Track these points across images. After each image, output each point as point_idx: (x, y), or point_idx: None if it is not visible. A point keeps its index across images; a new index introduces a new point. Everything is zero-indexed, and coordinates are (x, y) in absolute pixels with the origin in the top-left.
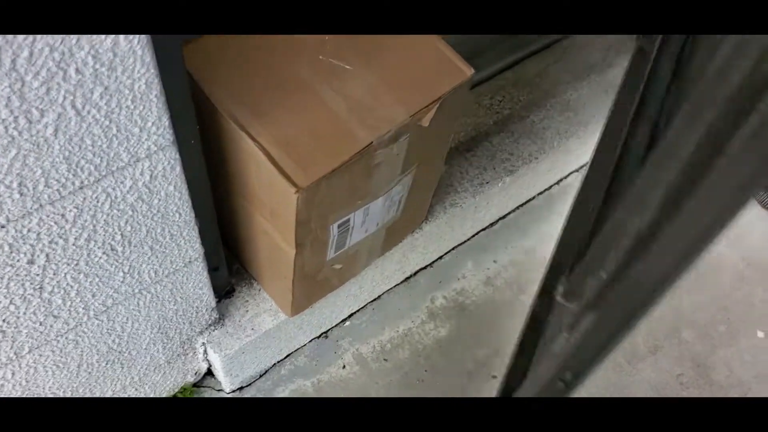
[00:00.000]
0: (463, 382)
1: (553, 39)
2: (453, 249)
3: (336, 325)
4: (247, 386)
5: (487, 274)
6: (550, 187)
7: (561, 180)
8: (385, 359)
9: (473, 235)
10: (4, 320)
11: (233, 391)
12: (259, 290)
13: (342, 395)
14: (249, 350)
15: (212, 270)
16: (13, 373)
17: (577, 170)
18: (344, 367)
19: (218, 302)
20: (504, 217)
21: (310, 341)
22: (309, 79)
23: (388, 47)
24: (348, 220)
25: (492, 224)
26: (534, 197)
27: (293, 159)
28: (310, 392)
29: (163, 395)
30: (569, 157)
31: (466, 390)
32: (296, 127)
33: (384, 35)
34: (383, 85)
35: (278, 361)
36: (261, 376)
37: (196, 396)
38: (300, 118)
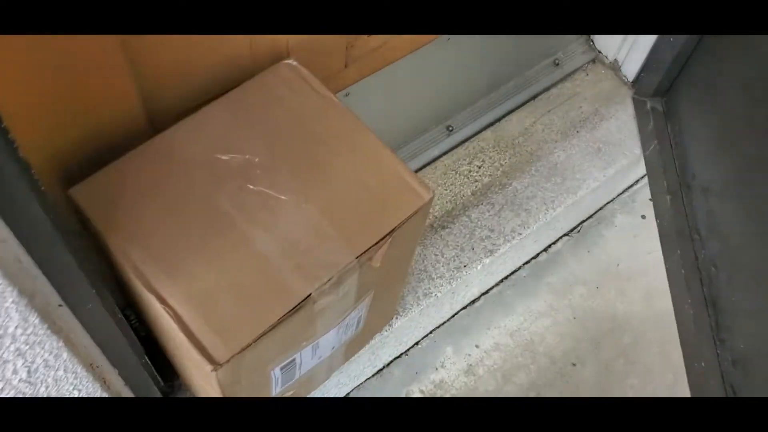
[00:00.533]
0: None
1: (538, 89)
2: (430, 333)
3: None
4: None
5: (468, 362)
6: (538, 254)
7: (549, 247)
8: None
9: (452, 316)
10: None
11: None
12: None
13: None
14: None
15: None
16: None
17: (568, 234)
18: None
19: None
20: (487, 292)
21: None
22: (233, 214)
23: (334, 167)
24: (293, 360)
25: (473, 301)
26: (520, 267)
27: (211, 325)
28: None
29: None
30: (559, 224)
31: None
32: (217, 280)
33: (326, 155)
34: (325, 219)
35: None
36: None
37: None
38: (221, 268)
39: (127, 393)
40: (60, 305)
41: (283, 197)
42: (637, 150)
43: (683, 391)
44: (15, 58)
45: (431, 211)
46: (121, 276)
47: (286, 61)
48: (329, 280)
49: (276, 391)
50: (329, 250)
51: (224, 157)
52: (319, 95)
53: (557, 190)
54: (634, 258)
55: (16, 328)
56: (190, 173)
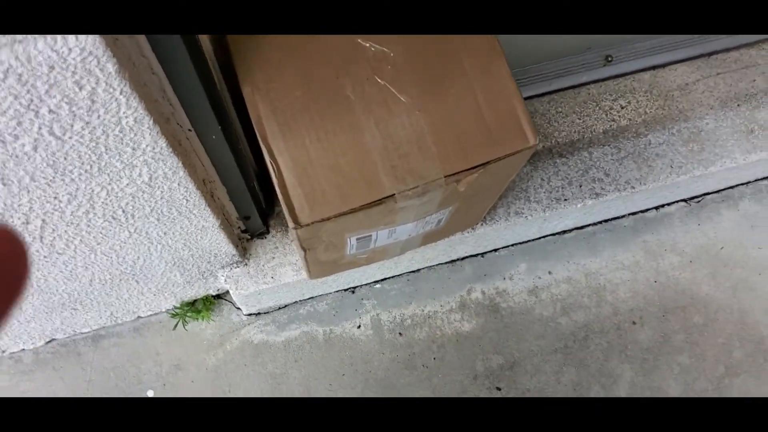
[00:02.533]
0: (465, 383)
1: (717, 47)
2: (511, 245)
3: (365, 285)
4: (264, 314)
5: (535, 283)
6: (647, 210)
7: (661, 207)
8: (400, 333)
9: (538, 238)
10: None
11: (250, 315)
12: (292, 241)
13: (348, 354)
14: (266, 293)
15: (244, 218)
16: None
17: (686, 201)
18: (359, 327)
19: (249, 239)
20: (582, 228)
21: (336, 291)
22: (354, 101)
23: (457, 85)
24: (369, 236)
25: (564, 232)
26: (624, 216)
27: (304, 190)
28: (320, 339)
29: (185, 300)
30: (676, 191)
31: (466, 391)
32: (321, 154)
33: (454, 71)
34: (432, 132)
35: (299, 301)
36: (280, 309)
37: (215, 307)
38: (328, 146)
39: (230, 209)
40: (190, 130)
41: (402, 98)
42: None
43: (728, 390)
44: None
45: (553, 136)
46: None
47: None
48: (415, 188)
49: (350, 252)
50: (423, 162)
51: (365, 44)
52: None
53: (690, 158)
54: (741, 247)
55: (146, 146)
56: (330, 49)
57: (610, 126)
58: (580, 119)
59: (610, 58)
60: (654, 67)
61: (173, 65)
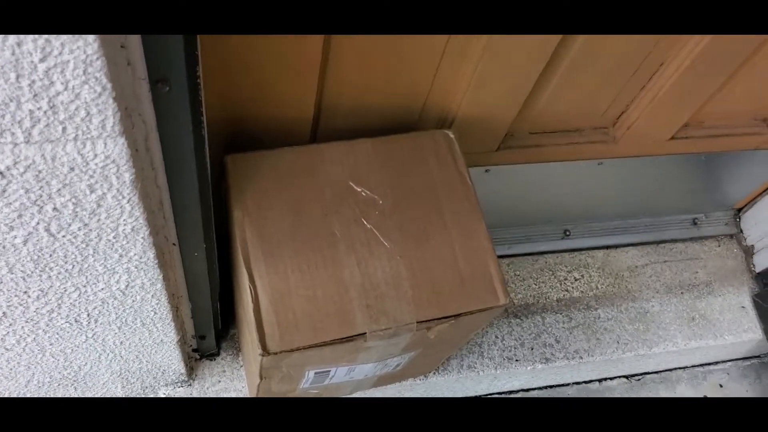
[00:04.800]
0: None
1: (666, 237)
2: (459, 398)
3: None
4: None
5: None
6: (590, 381)
7: (604, 380)
8: None
9: (486, 395)
10: None
11: None
12: (240, 366)
13: None
14: None
15: (199, 337)
16: None
17: (627, 378)
18: None
19: (198, 359)
20: (527, 390)
21: None
22: (339, 239)
23: (438, 237)
24: (328, 371)
25: (511, 392)
26: (569, 384)
27: (278, 318)
28: None
29: None
30: (620, 366)
31: None
32: (300, 284)
33: (436, 225)
34: (409, 277)
35: None
36: None
37: None
38: (309, 277)
39: (189, 326)
40: (174, 244)
41: (385, 243)
42: (729, 337)
43: None
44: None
45: (513, 295)
46: (231, 238)
47: (444, 130)
48: (387, 329)
49: (303, 386)
50: (398, 305)
51: (357, 188)
52: (456, 170)
53: (636, 336)
54: None
55: (134, 254)
56: (323, 187)
57: (564, 295)
58: (536, 285)
59: (568, 233)
60: (608, 247)
61: (179, 180)
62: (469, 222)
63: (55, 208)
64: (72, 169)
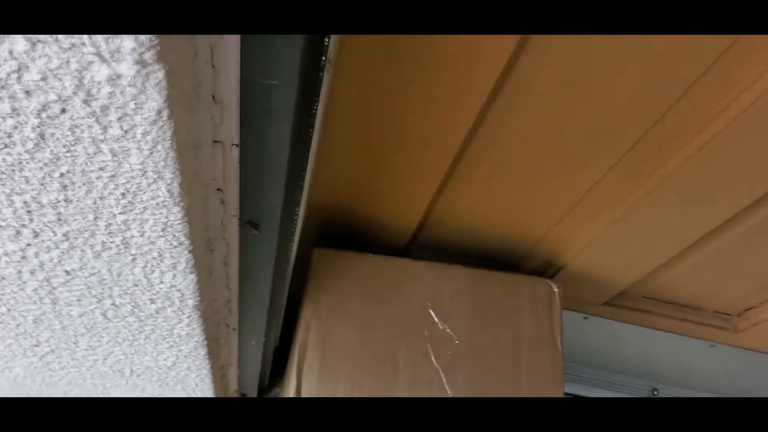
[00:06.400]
0: None
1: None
2: None
3: None
4: None
5: None
6: None
7: None
8: None
9: None
10: None
11: None
12: None
13: None
14: None
15: (241, 394)
16: None
17: None
18: None
19: None
20: None
21: None
22: (401, 369)
23: (503, 394)
24: None
25: None
26: None
27: None
28: None
29: None
30: None
31: None
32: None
33: (509, 378)
34: None
35: None
36: None
37: None
38: (356, 393)
39: (233, 384)
40: (234, 329)
41: (448, 391)
42: None
43: None
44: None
45: None
46: (295, 324)
47: (548, 281)
48: None
49: None
50: None
51: (436, 319)
52: (550, 330)
53: None
54: None
55: (185, 348)
56: (401, 305)
57: None
58: None
59: (655, 391)
60: None
61: (253, 287)
62: (545, 381)
63: (113, 305)
64: (136, 285)
